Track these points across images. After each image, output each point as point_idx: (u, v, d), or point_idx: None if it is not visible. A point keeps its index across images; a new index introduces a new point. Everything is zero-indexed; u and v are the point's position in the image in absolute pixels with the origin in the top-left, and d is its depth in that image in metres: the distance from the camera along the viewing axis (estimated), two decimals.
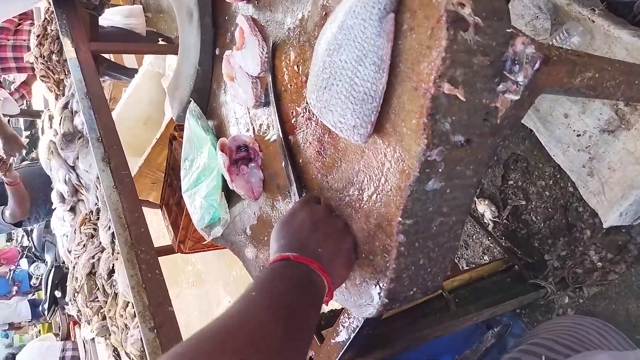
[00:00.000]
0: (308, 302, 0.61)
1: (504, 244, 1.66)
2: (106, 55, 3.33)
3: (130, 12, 3.23)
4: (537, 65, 0.57)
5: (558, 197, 1.51)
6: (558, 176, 1.50)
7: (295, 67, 0.81)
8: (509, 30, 0.58)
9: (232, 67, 0.95)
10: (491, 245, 1.72)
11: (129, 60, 3.82)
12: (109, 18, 3.17)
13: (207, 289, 3.38)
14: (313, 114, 0.80)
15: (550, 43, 1.31)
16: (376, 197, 0.68)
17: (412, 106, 0.59)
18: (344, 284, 0.77)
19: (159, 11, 3.72)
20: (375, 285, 0.70)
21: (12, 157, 2.75)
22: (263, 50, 0.86)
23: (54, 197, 2.25)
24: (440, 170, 0.61)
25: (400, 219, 0.64)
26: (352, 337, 0.98)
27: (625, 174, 1.24)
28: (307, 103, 0.81)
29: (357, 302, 0.74)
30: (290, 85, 0.84)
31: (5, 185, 2.62)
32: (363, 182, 0.71)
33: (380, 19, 0.57)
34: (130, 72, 3.29)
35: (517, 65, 0.59)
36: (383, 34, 0.58)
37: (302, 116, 0.82)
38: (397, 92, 0.61)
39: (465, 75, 0.57)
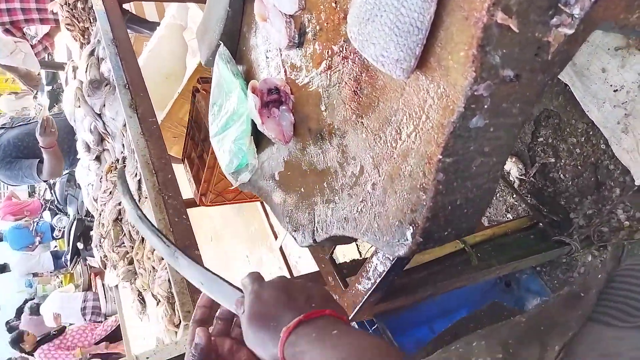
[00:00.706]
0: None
1: (529, 201, 1.64)
2: (127, 7, 3.29)
3: None
4: None
5: (589, 154, 1.48)
6: (590, 133, 1.46)
7: (333, 4, 0.79)
8: None
9: (265, 7, 0.93)
10: (515, 203, 1.70)
11: (150, 13, 3.78)
12: None
13: (225, 244, 3.45)
14: (350, 52, 0.78)
15: None
16: (415, 135, 0.67)
17: (461, 37, 0.57)
18: (375, 224, 0.78)
19: None
20: (411, 225, 0.70)
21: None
22: None
23: (79, 146, 2.27)
24: (486, 106, 0.60)
25: (440, 157, 0.63)
26: (377, 281, 0.99)
27: None
28: (344, 41, 0.79)
29: (390, 241, 0.74)
30: (327, 24, 0.82)
31: (42, 148, 2.63)
32: (402, 121, 0.69)
33: None
34: (152, 25, 3.26)
35: None
36: None
37: (339, 55, 0.80)
38: (445, 24, 0.59)
39: (520, 5, 0.54)
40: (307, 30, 0.88)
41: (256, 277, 0.64)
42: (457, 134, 0.61)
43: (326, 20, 0.83)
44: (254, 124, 1.04)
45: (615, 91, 1.33)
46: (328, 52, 0.84)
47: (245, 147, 1.06)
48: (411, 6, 0.59)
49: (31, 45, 3.62)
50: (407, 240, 0.71)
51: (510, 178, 1.68)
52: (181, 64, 3.25)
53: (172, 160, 2.96)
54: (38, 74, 3.27)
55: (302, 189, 0.99)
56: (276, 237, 2.86)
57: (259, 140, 1.10)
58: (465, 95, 0.58)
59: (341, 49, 0.80)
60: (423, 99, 0.65)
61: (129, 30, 3.33)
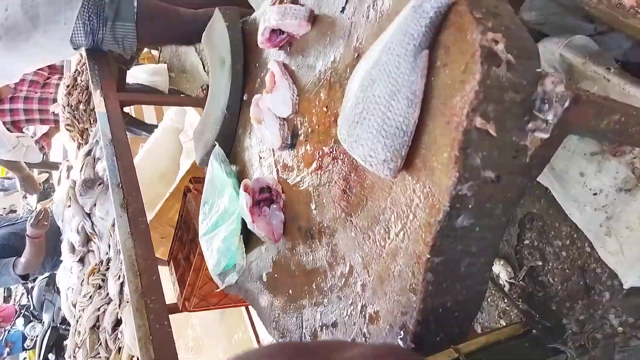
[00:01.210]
0: None
1: (521, 306, 1.61)
2: (127, 110, 3.45)
3: (154, 70, 3.39)
4: (567, 104, 0.59)
5: (575, 257, 1.48)
6: (575, 236, 1.48)
7: (324, 108, 0.84)
8: (538, 70, 0.60)
9: (260, 110, 0.99)
10: (507, 308, 1.66)
11: (149, 116, 3.95)
12: (135, 75, 3.33)
13: (206, 355, 3.25)
14: (340, 153, 0.81)
15: None
16: (404, 234, 0.68)
17: (443, 140, 0.60)
18: (365, 329, 0.75)
19: (182, 71, 3.90)
20: (401, 329, 0.68)
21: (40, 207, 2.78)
22: (294, 92, 0.89)
23: (64, 247, 2.24)
24: (470, 206, 0.61)
25: (429, 256, 0.63)
26: None
27: None
28: (334, 143, 0.83)
29: None
30: (318, 126, 0.87)
31: (27, 237, 2.61)
32: (390, 220, 0.71)
33: (414, 55, 0.60)
34: (150, 128, 3.39)
35: (547, 104, 0.61)
36: (417, 69, 0.61)
37: (329, 156, 0.84)
38: (429, 128, 0.63)
39: (497, 111, 0.59)
40: (299, 132, 0.93)
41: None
42: (444, 234, 0.62)
43: (317, 123, 0.88)
44: (244, 223, 1.04)
45: (594, 195, 1.38)
46: (319, 152, 0.87)
47: (234, 246, 1.05)
48: (397, 111, 0.63)
49: None
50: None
51: (500, 282, 1.66)
52: (175, 165, 3.33)
53: (158, 262, 2.91)
54: (40, 184, 3.32)
55: (290, 291, 0.97)
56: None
57: (248, 239, 1.10)
58: (450, 195, 0.60)
59: (331, 149, 0.84)
60: (410, 198, 0.67)
61: (127, 133, 3.47)
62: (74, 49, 1.82)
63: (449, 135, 0.59)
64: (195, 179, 2.18)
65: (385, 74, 0.62)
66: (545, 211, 1.53)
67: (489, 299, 1.73)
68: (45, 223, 2.53)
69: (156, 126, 3.38)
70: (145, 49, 3.98)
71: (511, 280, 1.63)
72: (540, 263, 1.57)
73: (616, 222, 1.30)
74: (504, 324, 1.65)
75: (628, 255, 1.25)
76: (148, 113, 3.91)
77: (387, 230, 0.71)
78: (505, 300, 1.64)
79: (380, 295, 0.72)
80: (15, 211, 7.46)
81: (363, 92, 0.65)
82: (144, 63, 3.80)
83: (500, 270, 1.66)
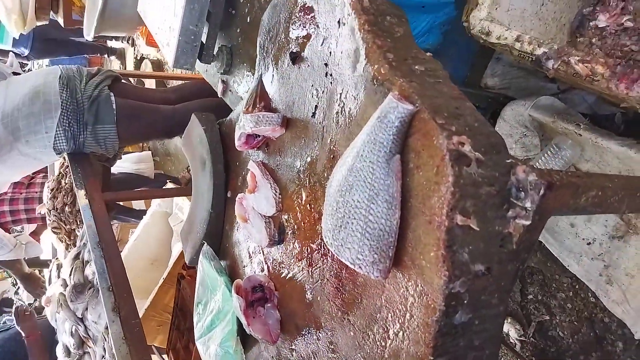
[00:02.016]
0: None
1: None
2: None
3: (139, 159, 3.43)
4: (542, 191, 0.60)
5: (581, 308, 1.46)
6: (577, 286, 1.47)
7: (307, 206, 0.84)
8: (508, 161, 0.62)
9: (244, 209, 0.99)
10: None
11: (137, 202, 3.95)
12: (120, 165, 3.36)
13: None
14: (328, 250, 0.81)
15: (543, 158, 1.37)
16: (403, 334, 0.66)
17: (428, 239, 0.60)
18: None
19: (166, 154, 3.95)
20: None
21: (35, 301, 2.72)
22: (276, 191, 0.90)
23: (59, 351, 2.16)
24: (465, 301, 0.61)
25: (432, 358, 0.62)
26: None
27: None
28: (321, 240, 0.83)
29: None
30: (304, 223, 0.87)
31: (25, 339, 2.53)
32: (387, 319, 0.69)
33: (387, 161, 0.61)
34: (139, 214, 3.38)
35: (523, 192, 0.62)
36: (391, 173, 0.62)
37: (318, 252, 0.83)
38: (412, 226, 0.63)
39: (475, 206, 0.59)
40: (286, 230, 0.93)
41: None
42: (443, 332, 0.61)
43: (302, 220, 0.88)
44: (239, 322, 1.01)
45: (588, 244, 1.38)
46: (307, 249, 0.87)
47: (232, 349, 1.02)
48: (378, 214, 0.63)
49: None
50: None
51: (511, 340, 1.62)
52: (166, 249, 3.30)
53: (157, 351, 2.81)
54: (42, 282, 3.26)
55: None
56: None
57: (246, 338, 1.07)
58: (444, 294, 0.59)
59: (319, 246, 0.84)
60: (404, 297, 0.66)
61: (115, 221, 3.46)
62: (57, 154, 1.84)
63: (433, 234, 0.59)
64: (189, 265, 2.15)
65: (361, 180, 0.63)
66: (544, 264, 1.52)
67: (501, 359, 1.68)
68: (27, 313, 2.46)
69: (144, 212, 3.38)
70: None
71: (521, 338, 1.59)
72: (547, 317, 1.54)
73: (615, 269, 1.29)
74: None
75: (633, 303, 1.23)
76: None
77: (385, 329, 0.70)
78: None
79: None
80: (7, 299, 7.23)
81: (342, 197, 0.66)
82: (128, 152, 3.84)
83: (509, 328, 1.62)
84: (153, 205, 3.32)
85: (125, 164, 3.43)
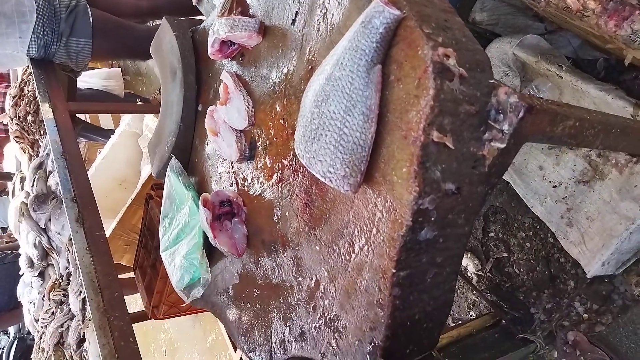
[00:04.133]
0: None
1: (489, 297, 1.64)
2: (82, 117, 3.33)
3: (108, 75, 3.27)
4: (521, 114, 0.59)
5: (539, 248, 1.52)
6: (537, 227, 1.52)
7: (281, 120, 0.82)
8: (491, 81, 0.60)
9: (215, 122, 0.95)
10: (477, 300, 1.69)
11: (105, 121, 3.82)
12: (87, 80, 3.20)
13: (181, 358, 3.21)
14: (300, 166, 0.79)
15: None
16: (368, 248, 0.66)
17: (402, 155, 0.59)
18: (334, 343, 0.74)
19: (137, 74, 3.78)
20: (370, 344, 0.67)
21: None
22: (249, 104, 0.86)
23: (22, 261, 2.14)
24: (432, 219, 0.61)
25: (394, 271, 0.62)
26: None
27: (603, 224, 1.27)
28: (293, 155, 0.81)
29: None
30: (276, 139, 0.84)
31: None
32: (353, 234, 0.69)
33: (367, 71, 0.59)
34: (107, 133, 3.28)
35: (502, 114, 0.61)
36: (371, 84, 0.59)
37: (288, 168, 0.82)
38: (386, 142, 0.61)
39: (453, 124, 0.58)
40: (257, 145, 0.90)
41: None
42: (408, 247, 0.61)
43: (275, 136, 0.85)
44: (206, 237, 1.01)
45: (554, 187, 1.41)
46: (278, 165, 0.85)
47: (197, 261, 1.02)
48: (353, 126, 0.62)
49: None
50: None
51: (468, 274, 1.69)
52: (135, 171, 3.24)
53: (124, 269, 2.83)
54: None
55: (258, 305, 0.95)
56: (236, 349, 2.69)
57: (212, 252, 1.07)
58: (412, 209, 0.58)
59: (291, 162, 0.82)
60: (372, 212, 0.65)
61: (82, 139, 3.35)
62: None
63: (407, 150, 0.58)
64: (157, 186, 2.12)
65: (339, 90, 0.60)
66: (508, 204, 1.56)
67: (458, 292, 1.75)
68: None
69: (113, 131, 3.28)
70: None
71: (479, 273, 1.66)
72: (505, 254, 1.60)
73: (576, 212, 1.33)
74: (474, 315, 1.68)
75: (590, 245, 1.29)
76: (104, 119, 3.78)
77: (351, 244, 0.70)
78: (474, 292, 1.67)
79: (348, 309, 0.71)
80: None
81: (318, 107, 0.63)
82: (96, 67, 3.66)
83: (467, 263, 1.68)
84: (122, 125, 3.21)
85: (93, 80, 3.27)
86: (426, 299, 0.66)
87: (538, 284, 1.51)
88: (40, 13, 1.66)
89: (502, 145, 0.61)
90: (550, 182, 1.40)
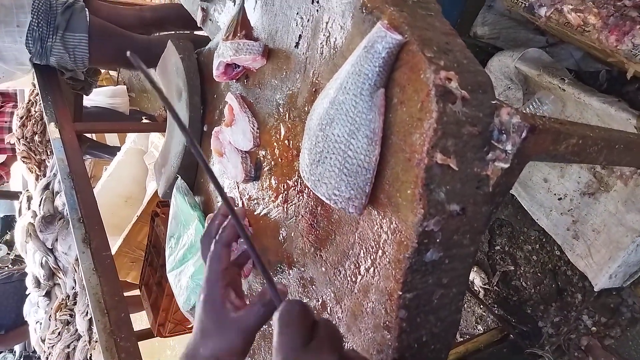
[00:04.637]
0: None
1: (496, 312, 1.63)
2: (88, 134, 3.36)
3: (113, 92, 3.30)
4: (524, 134, 0.59)
5: (546, 261, 1.51)
6: (544, 240, 1.51)
7: (286, 142, 0.82)
8: (493, 102, 0.60)
9: (221, 143, 0.96)
10: (484, 314, 1.68)
11: (111, 138, 3.85)
12: (92, 98, 3.23)
13: None
14: (305, 187, 0.80)
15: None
16: (374, 270, 0.66)
17: (406, 177, 0.59)
18: None
19: (142, 91, 3.82)
20: None
21: None
22: (254, 126, 0.87)
23: (29, 281, 2.15)
24: (438, 240, 0.61)
25: (400, 293, 0.62)
26: None
27: (610, 236, 1.26)
28: (298, 176, 0.81)
29: None
30: (281, 160, 0.85)
31: None
32: (359, 255, 0.69)
33: (370, 94, 0.59)
34: (112, 150, 3.30)
35: (505, 135, 0.61)
36: (374, 108, 0.60)
37: (294, 189, 0.82)
38: (390, 164, 0.62)
39: (456, 146, 0.58)
40: (262, 165, 0.91)
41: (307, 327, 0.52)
42: (414, 269, 0.61)
43: (280, 157, 0.86)
44: None
45: (559, 199, 1.40)
46: (284, 186, 0.86)
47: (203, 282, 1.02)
48: (357, 149, 0.62)
49: None
50: None
51: (475, 288, 1.68)
52: (141, 188, 3.26)
53: (130, 286, 2.83)
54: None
55: (265, 326, 0.95)
56: None
57: None
58: (417, 232, 0.59)
59: (296, 183, 0.82)
60: (378, 234, 0.65)
61: (89, 156, 3.37)
62: (29, 54, 1.75)
63: (411, 172, 0.58)
64: (163, 203, 2.13)
65: (343, 113, 0.61)
66: (513, 217, 1.56)
67: (465, 306, 1.74)
68: None
69: (119, 148, 3.30)
70: (103, 70, 3.89)
71: (485, 286, 1.65)
72: (512, 268, 1.59)
73: (582, 225, 1.33)
74: (482, 330, 1.67)
75: (596, 258, 1.28)
76: (110, 135, 3.81)
77: (357, 265, 0.70)
78: (481, 307, 1.66)
79: (355, 332, 0.71)
80: None
81: (322, 131, 0.64)
82: (102, 85, 3.70)
83: (474, 276, 1.68)
84: (127, 142, 3.24)
85: (98, 98, 3.30)
86: (433, 321, 0.66)
87: (545, 297, 1.50)
88: (36, 5, 1.69)
89: (506, 165, 0.61)
90: (555, 194, 1.40)
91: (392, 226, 0.63)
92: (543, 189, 1.43)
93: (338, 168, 0.64)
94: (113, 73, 4.17)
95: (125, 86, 3.72)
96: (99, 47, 1.79)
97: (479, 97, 0.59)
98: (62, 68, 1.86)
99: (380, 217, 0.65)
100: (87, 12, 1.77)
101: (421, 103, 0.56)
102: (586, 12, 0.92)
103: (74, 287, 1.71)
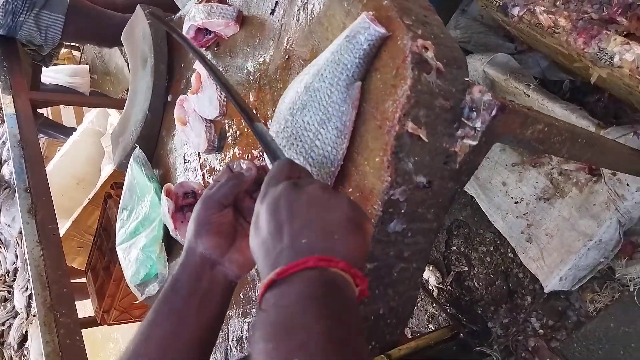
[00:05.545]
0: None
1: (449, 310, 1.65)
2: (43, 112, 3.20)
3: (75, 71, 3.17)
4: (494, 112, 0.59)
5: (499, 263, 1.55)
6: (498, 242, 1.55)
7: (254, 110, 0.80)
8: (467, 79, 0.61)
9: (185, 111, 0.93)
10: (436, 312, 1.70)
11: (67, 119, 3.69)
12: (52, 76, 3.09)
13: None
14: None
15: None
16: None
17: (375, 144, 0.59)
18: None
19: (105, 73, 3.69)
20: None
21: None
22: (221, 93, 0.84)
23: None
24: (402, 211, 0.60)
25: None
26: None
27: (562, 240, 1.30)
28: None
29: None
30: (247, 129, 0.83)
31: None
32: None
33: (347, 86, 0.58)
34: (68, 131, 3.16)
35: (475, 112, 0.61)
36: (349, 100, 0.59)
37: (258, 160, 0.80)
38: (360, 131, 0.61)
39: (428, 117, 0.58)
40: (227, 135, 0.88)
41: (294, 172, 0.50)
42: (377, 239, 0.60)
43: (246, 126, 0.84)
44: (166, 230, 0.98)
45: (516, 203, 1.44)
46: (248, 156, 0.83)
47: (155, 254, 0.98)
48: (325, 140, 0.61)
49: None
50: None
51: (429, 287, 1.69)
52: (95, 170, 3.13)
53: (75, 272, 2.70)
54: None
55: None
56: None
57: (171, 247, 1.03)
58: (383, 200, 0.58)
59: (261, 153, 0.80)
60: None
61: (42, 135, 3.21)
62: None
63: (381, 140, 0.58)
64: (117, 185, 2.05)
65: (316, 101, 0.60)
66: (471, 218, 1.58)
67: (418, 304, 1.76)
68: None
69: (75, 129, 3.17)
70: (65, 49, 3.73)
71: (439, 285, 1.67)
72: (466, 268, 1.62)
73: (536, 229, 1.36)
74: (433, 328, 1.68)
75: (548, 260, 1.31)
76: (67, 116, 3.65)
77: None
78: (434, 305, 1.68)
79: None
80: None
81: (292, 115, 0.63)
82: (62, 63, 3.54)
83: (429, 275, 1.69)
84: (85, 122, 3.10)
85: (58, 75, 3.15)
86: (391, 294, 0.65)
87: (496, 299, 1.53)
88: None
89: (474, 143, 0.62)
90: (512, 198, 1.44)
91: (357, 195, 0.62)
92: (501, 192, 1.47)
93: (303, 157, 0.62)
94: (76, 53, 4.00)
95: (87, 66, 3.57)
96: (74, 24, 1.72)
97: (454, 72, 0.59)
98: (29, 43, 1.77)
99: (346, 189, 0.63)
100: None
101: (396, 69, 0.56)
102: (557, 14, 0.95)
103: (14, 262, 1.61)
